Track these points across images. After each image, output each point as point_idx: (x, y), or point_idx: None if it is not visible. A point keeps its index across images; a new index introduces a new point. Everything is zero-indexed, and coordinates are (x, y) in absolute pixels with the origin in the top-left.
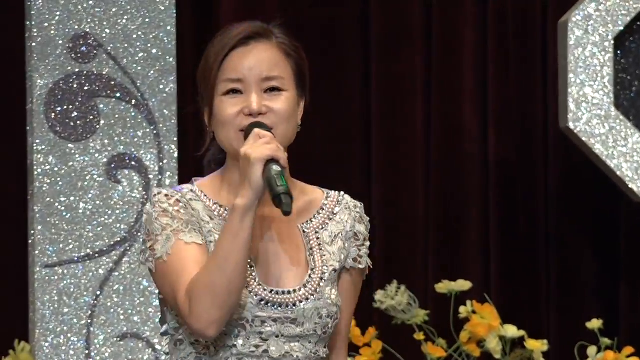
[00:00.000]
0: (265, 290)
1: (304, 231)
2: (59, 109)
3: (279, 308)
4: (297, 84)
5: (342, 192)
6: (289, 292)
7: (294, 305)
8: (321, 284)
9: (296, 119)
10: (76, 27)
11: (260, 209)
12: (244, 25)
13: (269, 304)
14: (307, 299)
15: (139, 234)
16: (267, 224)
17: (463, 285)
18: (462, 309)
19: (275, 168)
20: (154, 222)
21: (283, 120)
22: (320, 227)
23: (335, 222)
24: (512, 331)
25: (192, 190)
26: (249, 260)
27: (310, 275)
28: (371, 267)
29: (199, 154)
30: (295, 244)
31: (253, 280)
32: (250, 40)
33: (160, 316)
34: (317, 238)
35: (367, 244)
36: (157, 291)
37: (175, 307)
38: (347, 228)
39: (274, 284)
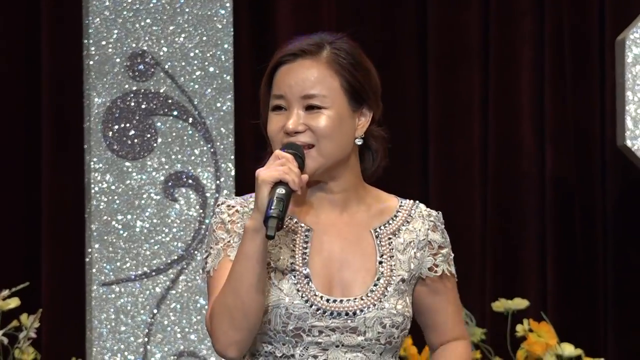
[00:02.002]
0: (322, 299)
1: (377, 236)
2: (116, 127)
3: (338, 317)
4: (351, 98)
5: (417, 201)
6: (349, 301)
7: (354, 314)
8: (386, 293)
9: (346, 135)
10: (134, 45)
11: (315, 216)
12: (300, 40)
13: (327, 313)
14: (369, 307)
15: (196, 252)
16: (336, 229)
17: (520, 303)
18: (519, 327)
19: (279, 191)
20: (212, 234)
21: (324, 137)
22: (394, 233)
23: (409, 230)
24: (569, 350)
25: None
26: (305, 270)
27: (375, 284)
28: (452, 274)
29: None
30: (365, 250)
31: (309, 289)
32: (297, 57)
33: None
34: (390, 244)
35: (444, 251)
36: None
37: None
38: (420, 237)
39: (334, 292)
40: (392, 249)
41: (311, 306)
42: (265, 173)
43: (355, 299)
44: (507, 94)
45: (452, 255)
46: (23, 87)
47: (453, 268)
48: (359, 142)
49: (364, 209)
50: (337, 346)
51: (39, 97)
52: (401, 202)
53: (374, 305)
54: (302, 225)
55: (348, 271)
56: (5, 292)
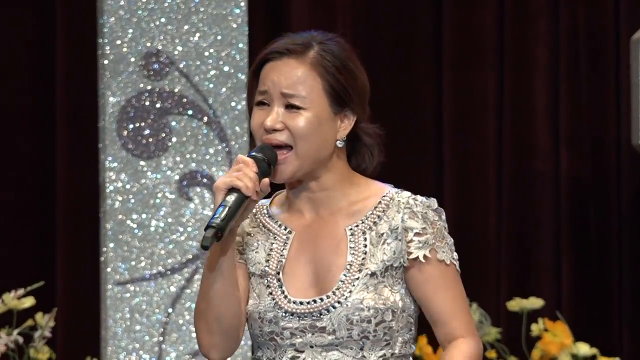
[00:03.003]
0: (290, 302)
1: (351, 234)
2: (131, 126)
3: (305, 318)
4: (333, 101)
5: (400, 190)
6: (315, 301)
7: (320, 313)
8: (351, 289)
9: (325, 137)
10: (148, 44)
11: (300, 218)
12: (292, 37)
13: (294, 315)
14: (334, 306)
15: None
16: (315, 230)
17: (535, 303)
18: (534, 326)
19: (228, 198)
20: None
21: (301, 138)
22: (370, 227)
23: (384, 220)
24: (584, 349)
25: (262, 204)
26: (277, 273)
27: (342, 281)
28: (441, 261)
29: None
30: (339, 248)
31: (280, 292)
32: (283, 55)
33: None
34: (365, 239)
35: (422, 237)
36: None
37: None
38: (395, 225)
39: (309, 293)
40: (367, 245)
41: (280, 309)
42: (219, 179)
43: (323, 298)
44: (522, 94)
45: (448, 242)
46: (38, 86)
47: (444, 255)
48: (340, 144)
49: (346, 206)
50: (311, 347)
51: (54, 96)
52: (385, 193)
53: (339, 303)
54: (284, 227)
55: (322, 271)
56: (21, 291)
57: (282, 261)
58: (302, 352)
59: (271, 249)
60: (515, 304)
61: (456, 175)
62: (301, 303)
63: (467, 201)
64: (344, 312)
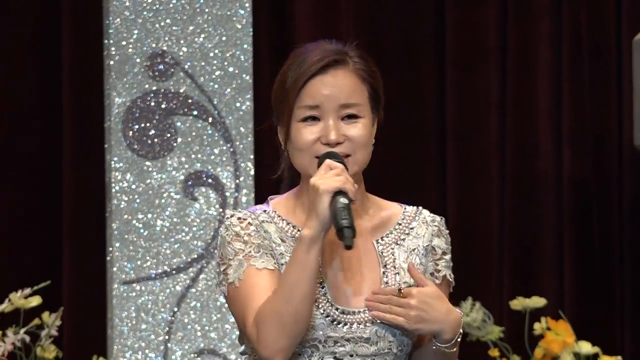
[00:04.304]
0: (337, 310)
1: (379, 246)
2: (137, 126)
3: (352, 328)
4: (372, 107)
5: (420, 207)
6: (360, 312)
7: (366, 324)
8: None
9: (371, 142)
10: (153, 45)
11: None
12: (319, 49)
13: (341, 324)
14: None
15: (216, 251)
16: (337, 240)
17: (537, 302)
18: (536, 325)
19: (342, 201)
20: (227, 246)
21: (361, 147)
22: (396, 243)
23: (412, 237)
24: (586, 348)
25: (265, 211)
26: (321, 281)
27: None
28: (451, 280)
29: (274, 175)
30: (369, 261)
31: (325, 301)
32: (329, 68)
33: (238, 335)
34: (392, 254)
35: (447, 257)
36: None
37: (244, 333)
38: (425, 243)
39: (346, 303)
40: (395, 259)
41: (327, 317)
42: (326, 183)
43: (366, 310)
44: (524, 94)
45: (451, 262)
46: (44, 87)
47: (451, 275)
48: (372, 147)
49: (368, 218)
50: (351, 355)
51: (60, 97)
52: (405, 209)
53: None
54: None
55: (354, 282)
56: (27, 291)
57: (319, 269)
58: (342, 359)
59: None
60: (518, 303)
61: (459, 174)
62: (348, 313)
63: (470, 200)
64: (390, 324)
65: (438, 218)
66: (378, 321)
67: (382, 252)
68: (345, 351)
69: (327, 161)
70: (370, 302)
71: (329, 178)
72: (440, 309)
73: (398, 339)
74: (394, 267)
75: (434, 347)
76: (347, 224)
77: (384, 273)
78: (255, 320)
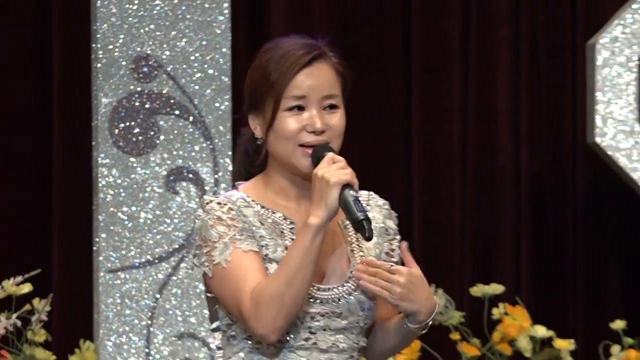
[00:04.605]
0: (312, 287)
1: (344, 227)
2: (122, 125)
3: (326, 304)
4: (344, 98)
5: (371, 192)
6: (333, 288)
7: (339, 300)
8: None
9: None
10: (138, 49)
11: (298, 209)
12: (299, 43)
13: (317, 301)
14: (350, 294)
15: (193, 240)
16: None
17: (496, 288)
18: (495, 310)
19: (353, 193)
20: (210, 230)
21: (339, 135)
22: None
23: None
24: (541, 331)
25: (240, 197)
26: None
27: (351, 271)
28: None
29: (238, 161)
30: (338, 241)
31: None
32: (313, 61)
33: (209, 314)
34: (356, 234)
35: (398, 237)
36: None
37: (236, 311)
38: (379, 224)
39: (319, 281)
40: (358, 238)
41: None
42: (336, 175)
43: (337, 286)
44: (485, 96)
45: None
46: (37, 88)
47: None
48: None
49: None
50: (324, 330)
51: (51, 98)
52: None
53: (356, 291)
54: (286, 218)
55: (326, 261)
56: (19, 278)
57: None
58: (315, 334)
59: (282, 237)
60: (478, 290)
61: (424, 171)
62: (321, 290)
63: (434, 195)
64: (359, 299)
65: (387, 202)
66: (349, 297)
67: (347, 232)
68: (320, 325)
69: (331, 154)
70: (358, 271)
71: (336, 171)
72: (423, 292)
73: (366, 313)
74: (359, 246)
75: (404, 326)
76: (364, 216)
77: (351, 251)
78: (254, 299)
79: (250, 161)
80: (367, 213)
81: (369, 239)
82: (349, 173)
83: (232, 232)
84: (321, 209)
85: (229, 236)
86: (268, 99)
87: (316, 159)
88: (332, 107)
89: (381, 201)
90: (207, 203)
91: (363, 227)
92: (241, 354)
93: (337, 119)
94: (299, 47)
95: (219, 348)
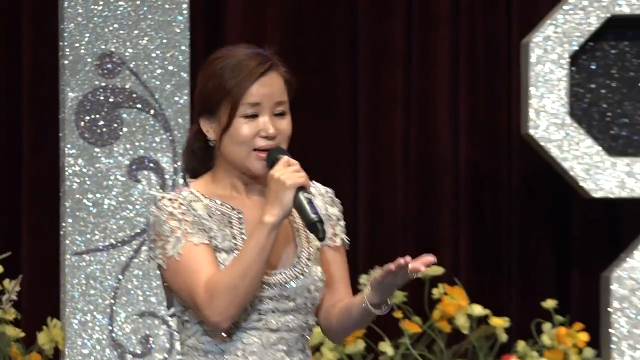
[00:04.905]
0: (264, 273)
1: (290, 217)
2: (87, 118)
3: (275, 287)
4: (289, 105)
5: (313, 181)
6: (281, 273)
7: (286, 284)
8: (308, 264)
9: None
10: (103, 47)
11: (252, 200)
12: (254, 53)
13: (266, 285)
14: (297, 277)
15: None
16: (257, 211)
17: (436, 270)
18: (435, 291)
19: (307, 195)
20: (163, 225)
21: (286, 139)
22: None
23: None
24: (478, 310)
25: (190, 192)
26: None
27: (298, 256)
28: (349, 242)
29: (188, 159)
30: (284, 229)
31: None
32: (267, 71)
33: (166, 301)
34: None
35: (342, 223)
36: None
37: (190, 300)
38: (322, 211)
39: (268, 267)
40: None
41: None
42: (292, 178)
43: (285, 271)
44: (426, 91)
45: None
46: (8, 83)
47: (347, 238)
48: None
49: None
50: (273, 311)
51: (21, 92)
52: None
53: (302, 274)
54: (234, 209)
55: (274, 249)
56: None
57: (244, 236)
58: (265, 315)
59: (230, 227)
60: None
61: (369, 162)
62: (269, 275)
63: (378, 183)
64: (305, 283)
65: (330, 190)
66: (296, 281)
67: (293, 220)
68: (269, 308)
69: (285, 157)
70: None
71: (292, 174)
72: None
73: (312, 295)
74: (305, 232)
75: (363, 305)
76: (318, 218)
77: (297, 237)
78: (209, 290)
79: (199, 159)
80: (319, 214)
81: (322, 239)
82: (303, 176)
83: (184, 226)
84: (277, 208)
85: (181, 230)
86: (224, 105)
87: (271, 162)
88: (282, 113)
89: (323, 189)
90: (159, 200)
91: (317, 229)
92: (195, 337)
93: (285, 124)
94: (252, 57)
95: (177, 332)
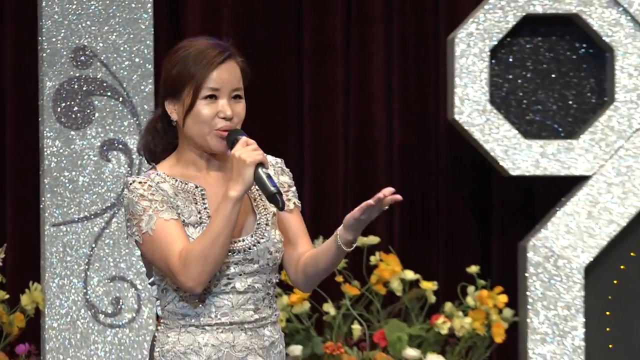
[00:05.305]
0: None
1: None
2: (63, 104)
3: (239, 253)
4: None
5: (265, 154)
6: (244, 240)
7: (249, 248)
8: (267, 229)
9: None
10: (77, 41)
11: (213, 177)
12: (211, 43)
13: (232, 252)
14: (259, 242)
15: (123, 208)
16: (222, 187)
17: (373, 240)
18: (372, 258)
19: (265, 171)
20: (135, 205)
21: (241, 120)
22: None
23: None
24: (410, 275)
25: (157, 174)
26: (209, 222)
27: (258, 223)
28: (299, 205)
29: (148, 142)
30: (244, 199)
31: None
32: (227, 59)
33: (146, 271)
34: (257, 190)
35: (293, 188)
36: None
37: (167, 269)
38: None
39: (233, 235)
40: (260, 194)
41: None
42: (251, 156)
43: (247, 238)
44: (364, 80)
45: (296, 192)
46: None
47: (299, 201)
48: None
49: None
50: (240, 275)
51: (4, 82)
52: None
53: (262, 238)
54: (197, 187)
55: (240, 216)
56: None
57: (207, 211)
58: (233, 279)
59: (195, 203)
60: (358, 241)
61: (313, 144)
62: (235, 242)
63: (321, 163)
64: (266, 245)
65: (280, 160)
66: (257, 245)
67: (250, 190)
68: (236, 272)
69: (245, 138)
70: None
71: (251, 152)
72: None
73: (273, 255)
74: (261, 199)
75: (337, 244)
76: (277, 190)
77: (255, 205)
78: (183, 259)
79: (160, 137)
80: (278, 187)
81: (281, 209)
82: (261, 154)
83: (154, 205)
84: (239, 184)
85: (152, 209)
86: (187, 89)
87: (231, 142)
88: (238, 97)
89: (274, 160)
90: (131, 184)
91: (276, 200)
92: (173, 303)
93: (241, 107)
94: (213, 47)
95: (157, 299)
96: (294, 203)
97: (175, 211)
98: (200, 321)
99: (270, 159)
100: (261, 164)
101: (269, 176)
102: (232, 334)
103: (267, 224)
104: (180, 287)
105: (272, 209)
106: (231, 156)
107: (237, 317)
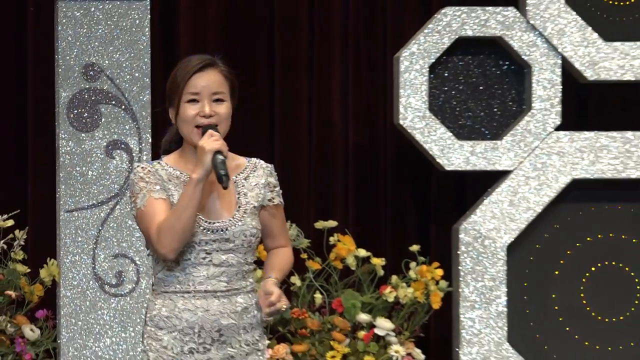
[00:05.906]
0: (207, 222)
1: (235, 181)
2: (76, 111)
3: (217, 232)
4: (231, 96)
5: (259, 159)
6: (223, 222)
7: (227, 229)
8: (244, 215)
9: (230, 118)
10: (87, 59)
11: (212, 175)
12: (200, 57)
13: (210, 231)
14: (235, 224)
15: (126, 191)
16: (211, 177)
17: (332, 223)
18: (331, 238)
19: (220, 157)
20: (135, 185)
21: (224, 119)
22: (245, 178)
23: (255, 176)
24: (362, 252)
25: (159, 163)
26: (202, 206)
27: (237, 210)
28: (282, 203)
29: (164, 139)
30: (230, 190)
31: (201, 218)
32: (205, 68)
33: (145, 242)
34: (244, 185)
35: (277, 189)
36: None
37: (149, 239)
38: (263, 181)
39: (214, 217)
40: (246, 189)
41: (199, 227)
42: (210, 145)
43: (225, 220)
44: (324, 91)
45: (281, 191)
46: (15, 87)
47: (282, 200)
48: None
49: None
50: (217, 251)
51: (27, 93)
52: (249, 160)
53: (239, 222)
54: (187, 176)
55: (220, 203)
56: (5, 216)
57: None
58: (210, 254)
59: (183, 189)
60: (320, 224)
61: (282, 146)
62: (213, 223)
63: (289, 161)
64: (242, 229)
65: (271, 165)
66: (234, 227)
67: (237, 183)
68: (213, 248)
69: (210, 131)
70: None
71: (211, 142)
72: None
73: (247, 238)
74: (245, 194)
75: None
76: (225, 173)
77: (238, 197)
78: (157, 230)
79: (171, 137)
80: (227, 170)
81: (225, 188)
82: (219, 143)
83: (149, 186)
84: (200, 168)
85: (146, 189)
86: (176, 96)
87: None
88: (219, 100)
89: (265, 165)
90: (135, 168)
91: (222, 180)
92: (162, 272)
93: (222, 108)
94: (195, 59)
95: (152, 267)
96: (279, 201)
97: (166, 193)
98: (180, 288)
99: (263, 164)
100: (219, 152)
101: (222, 162)
102: (207, 300)
103: (245, 212)
104: (158, 256)
105: (253, 202)
106: (198, 146)
107: (210, 286)
